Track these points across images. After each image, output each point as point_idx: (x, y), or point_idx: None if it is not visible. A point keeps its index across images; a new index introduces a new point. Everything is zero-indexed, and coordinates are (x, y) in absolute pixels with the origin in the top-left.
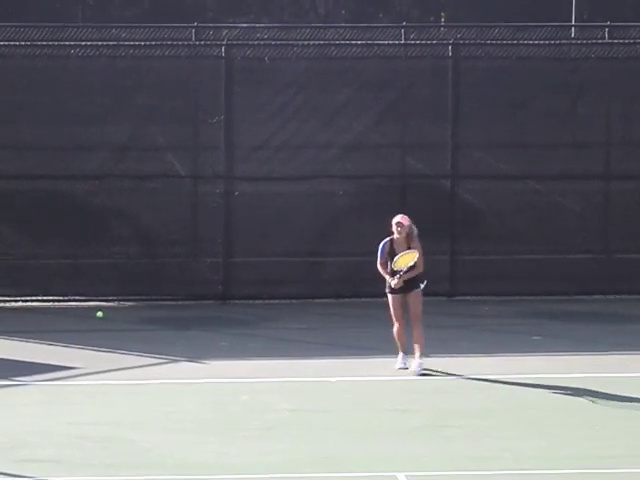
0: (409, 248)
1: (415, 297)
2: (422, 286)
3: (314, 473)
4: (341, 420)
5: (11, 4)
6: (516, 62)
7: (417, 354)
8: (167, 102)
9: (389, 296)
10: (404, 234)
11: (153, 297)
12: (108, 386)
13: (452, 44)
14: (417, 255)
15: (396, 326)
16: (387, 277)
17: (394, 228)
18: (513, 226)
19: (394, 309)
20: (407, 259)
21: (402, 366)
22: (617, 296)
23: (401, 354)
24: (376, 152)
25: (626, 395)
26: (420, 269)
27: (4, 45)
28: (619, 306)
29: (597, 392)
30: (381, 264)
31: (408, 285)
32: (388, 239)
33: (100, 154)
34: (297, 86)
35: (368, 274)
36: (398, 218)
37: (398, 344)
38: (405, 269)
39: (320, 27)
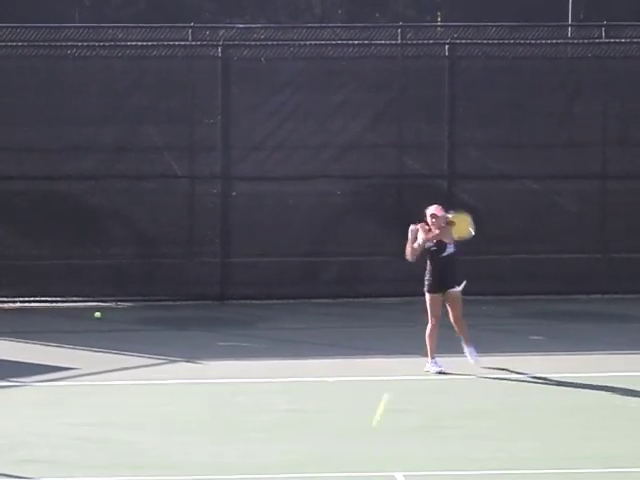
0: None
1: (454, 299)
2: (461, 287)
3: (312, 473)
4: (339, 420)
5: (7, 5)
6: (513, 62)
7: (466, 346)
8: (164, 102)
9: (428, 295)
10: (439, 226)
11: (151, 297)
12: (106, 387)
13: (448, 44)
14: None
15: (431, 325)
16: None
17: (429, 220)
18: (510, 226)
19: (432, 307)
20: (463, 226)
21: (440, 369)
22: (615, 295)
23: (433, 359)
24: (373, 152)
25: (625, 395)
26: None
27: (1, 45)
28: (617, 305)
29: (595, 392)
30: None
31: (446, 284)
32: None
33: (97, 154)
34: (294, 86)
35: (366, 274)
36: (432, 209)
37: (428, 347)
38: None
39: (316, 27)
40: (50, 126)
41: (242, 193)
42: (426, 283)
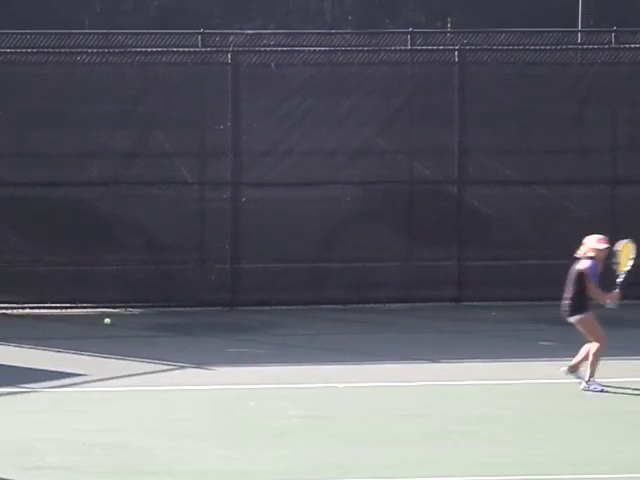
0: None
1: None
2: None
3: (322, 479)
4: (349, 426)
5: (17, 11)
6: (522, 67)
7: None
8: (174, 108)
9: (590, 315)
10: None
11: (160, 304)
12: (116, 393)
13: (458, 50)
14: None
15: (602, 345)
16: (605, 298)
17: (603, 252)
18: (520, 231)
19: (597, 327)
20: (628, 254)
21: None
22: (626, 301)
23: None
24: (383, 158)
25: (634, 400)
26: None
27: (11, 52)
28: (628, 311)
29: (605, 397)
30: (595, 287)
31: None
32: (593, 262)
33: (107, 161)
34: (304, 92)
35: (376, 279)
36: (604, 243)
37: (595, 367)
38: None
39: (326, 33)
40: (60, 132)
41: (252, 199)
42: (581, 305)
